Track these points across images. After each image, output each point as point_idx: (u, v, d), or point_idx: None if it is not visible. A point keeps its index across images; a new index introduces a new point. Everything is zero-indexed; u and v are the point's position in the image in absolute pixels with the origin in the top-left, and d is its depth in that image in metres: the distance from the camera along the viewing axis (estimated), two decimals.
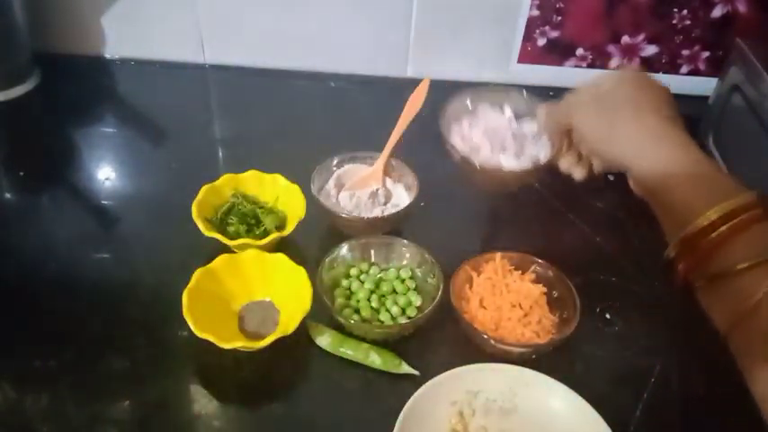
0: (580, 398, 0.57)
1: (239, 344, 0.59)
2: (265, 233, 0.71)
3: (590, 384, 0.60)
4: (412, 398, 0.56)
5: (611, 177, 0.87)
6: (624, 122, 0.51)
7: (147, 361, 0.62)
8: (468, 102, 0.69)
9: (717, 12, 0.96)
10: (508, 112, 0.68)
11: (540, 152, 0.65)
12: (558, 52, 1.01)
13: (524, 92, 0.67)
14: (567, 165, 0.60)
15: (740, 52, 0.79)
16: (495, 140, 0.65)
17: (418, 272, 0.69)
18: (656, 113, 0.50)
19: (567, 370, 0.62)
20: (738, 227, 0.42)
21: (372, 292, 0.67)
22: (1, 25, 0.92)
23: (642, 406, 0.61)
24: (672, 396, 0.63)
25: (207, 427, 0.58)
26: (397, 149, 0.78)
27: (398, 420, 0.54)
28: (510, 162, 0.63)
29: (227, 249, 0.69)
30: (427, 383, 0.57)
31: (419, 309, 0.66)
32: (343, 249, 0.69)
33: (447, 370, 0.58)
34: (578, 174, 0.60)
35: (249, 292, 0.67)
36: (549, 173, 0.64)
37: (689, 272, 0.45)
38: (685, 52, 1.01)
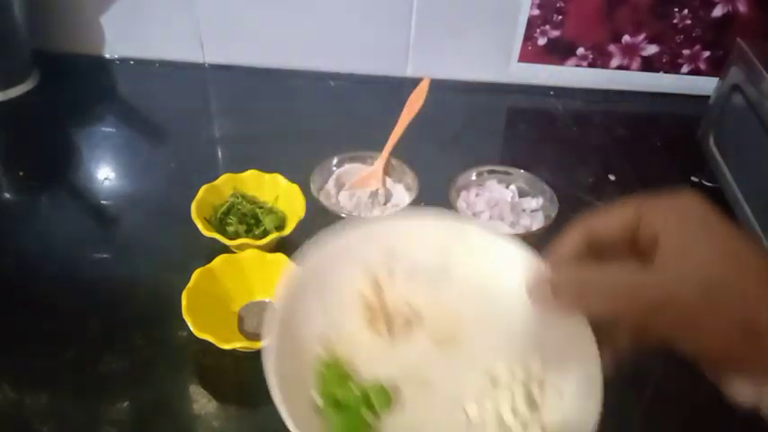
0: (536, 257, 0.41)
1: (239, 344, 0.59)
2: (265, 233, 0.71)
3: None
4: (306, 255, 0.40)
5: (611, 177, 0.87)
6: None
7: (147, 361, 0.62)
8: (477, 176, 0.79)
9: (717, 11, 0.96)
10: (512, 188, 0.78)
11: (533, 224, 0.74)
12: (558, 52, 1.01)
13: (530, 175, 0.78)
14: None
15: (741, 52, 0.79)
16: (495, 210, 0.75)
17: None
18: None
19: None
20: None
21: None
22: (1, 25, 0.92)
23: (643, 406, 0.61)
24: (673, 396, 0.62)
25: (207, 427, 0.58)
26: (397, 149, 0.78)
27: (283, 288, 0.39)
28: (505, 229, 0.74)
29: (226, 249, 0.69)
30: (326, 236, 0.41)
31: None
32: None
33: None
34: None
35: (249, 293, 0.67)
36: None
37: None
38: (686, 52, 1.01)
